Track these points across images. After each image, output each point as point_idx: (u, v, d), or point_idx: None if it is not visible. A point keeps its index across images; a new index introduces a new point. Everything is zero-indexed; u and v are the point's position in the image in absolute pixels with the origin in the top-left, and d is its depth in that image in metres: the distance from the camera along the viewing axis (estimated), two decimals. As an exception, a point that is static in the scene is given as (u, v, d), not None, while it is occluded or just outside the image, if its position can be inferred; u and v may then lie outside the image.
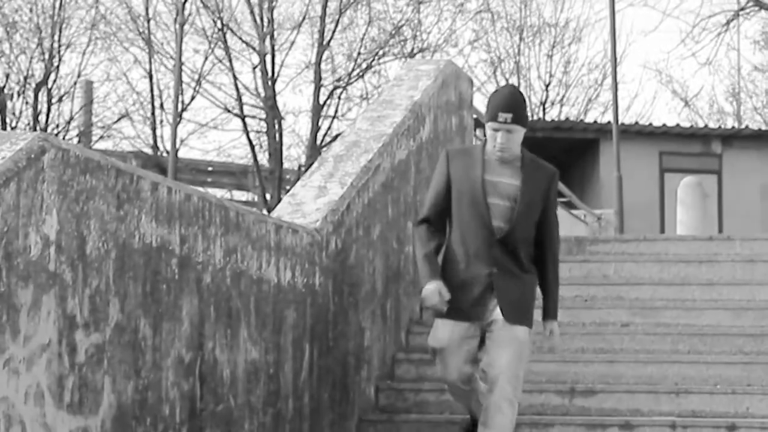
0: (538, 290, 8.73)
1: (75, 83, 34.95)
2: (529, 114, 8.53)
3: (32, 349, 5.85)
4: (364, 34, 36.94)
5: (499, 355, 7.66)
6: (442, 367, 8.06)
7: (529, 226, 8.13)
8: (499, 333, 7.79)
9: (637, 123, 29.90)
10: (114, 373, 6.60)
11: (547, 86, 45.56)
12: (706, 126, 34.63)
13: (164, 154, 33.96)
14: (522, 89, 44.57)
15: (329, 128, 40.77)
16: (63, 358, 6.09)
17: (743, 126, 36.76)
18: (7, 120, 33.53)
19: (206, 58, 35.96)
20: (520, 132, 8.01)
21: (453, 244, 8.21)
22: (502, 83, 45.47)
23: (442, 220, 8.32)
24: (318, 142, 39.74)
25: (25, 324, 5.79)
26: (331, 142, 38.00)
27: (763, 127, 35.46)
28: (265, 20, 36.14)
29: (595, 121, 33.58)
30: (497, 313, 7.87)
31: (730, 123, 39.74)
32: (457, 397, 8.44)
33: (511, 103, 7.92)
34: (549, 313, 8.29)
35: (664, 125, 30.79)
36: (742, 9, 39.04)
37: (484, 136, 8.43)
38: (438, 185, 8.34)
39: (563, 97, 44.79)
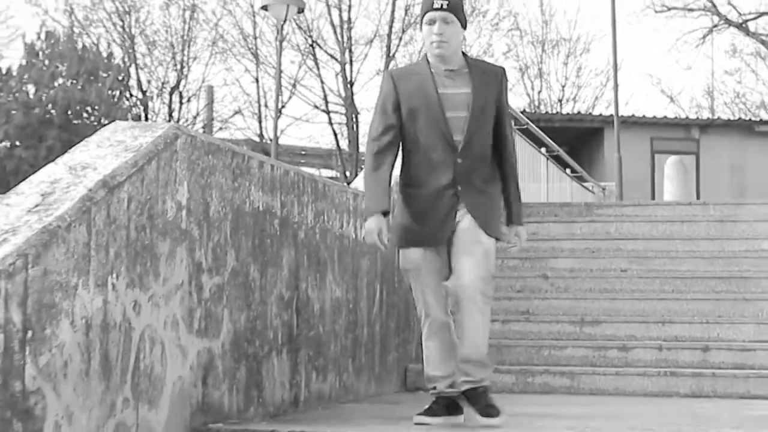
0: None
1: (200, 87, 34.97)
2: (466, 13, 6.29)
3: (169, 288, 5.93)
4: (421, 48, 36.73)
5: (464, 261, 6.00)
6: (419, 288, 6.24)
7: (486, 132, 6.28)
8: (461, 241, 6.07)
9: (633, 115, 29.59)
10: (231, 307, 6.67)
11: (563, 87, 45.26)
12: (687, 117, 34.41)
13: (268, 142, 33.88)
14: (543, 90, 44.38)
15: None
16: (192, 295, 6.17)
17: (716, 117, 36.42)
18: (149, 116, 33.65)
19: (300, 67, 35.90)
20: (457, 26, 6.14)
21: (411, 167, 6.33)
22: (529, 86, 45.10)
23: (392, 142, 6.30)
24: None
25: (164, 269, 5.87)
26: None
27: (732, 118, 35.00)
28: (345, 38, 36.09)
29: (600, 114, 33.31)
30: (462, 222, 6.11)
31: (705, 115, 39.31)
32: (434, 338, 6.28)
33: None
34: (513, 219, 6.40)
35: (654, 117, 30.65)
36: (715, 26, 38.80)
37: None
38: (385, 106, 6.30)
39: (575, 95, 44.48)
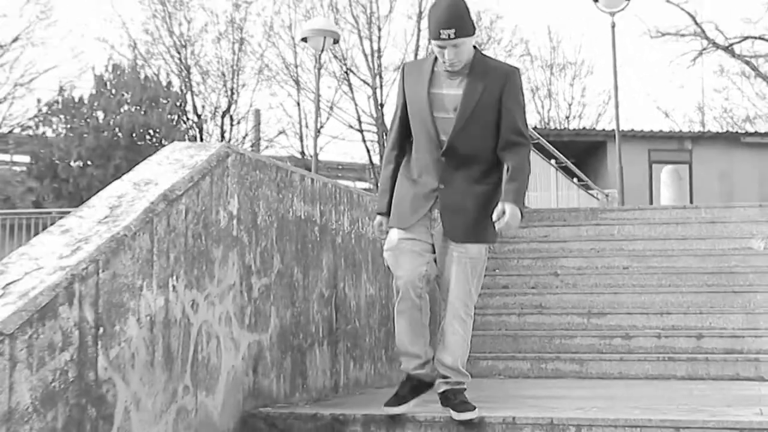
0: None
1: (248, 111, 35.04)
2: (473, 19, 5.46)
3: (223, 288, 5.95)
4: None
5: (450, 272, 5.50)
6: (394, 269, 5.65)
7: (476, 134, 5.47)
8: (448, 249, 5.55)
9: (632, 129, 29.49)
10: (277, 304, 6.68)
11: (570, 105, 45.15)
12: (680, 131, 34.24)
13: (309, 158, 33.90)
14: (552, 108, 44.27)
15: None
16: (243, 294, 6.19)
17: (706, 130, 36.28)
18: (203, 137, 33.75)
19: (336, 92, 35.89)
20: (467, 42, 5.41)
21: (409, 159, 5.75)
22: (539, 105, 45.04)
23: (401, 138, 5.80)
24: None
25: (218, 271, 5.89)
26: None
27: (720, 131, 34.87)
28: (375, 65, 36.09)
29: (603, 129, 33.32)
30: (438, 222, 5.59)
31: (697, 128, 39.16)
32: (403, 315, 5.72)
33: (451, 17, 5.31)
34: (505, 196, 5.44)
35: (651, 130, 30.54)
36: (704, 49, 38.71)
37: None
38: (397, 105, 5.83)
39: (581, 113, 44.35)
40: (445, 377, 5.68)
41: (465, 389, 5.73)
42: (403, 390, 5.75)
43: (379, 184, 5.94)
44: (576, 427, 5.86)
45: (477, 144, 5.54)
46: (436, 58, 5.59)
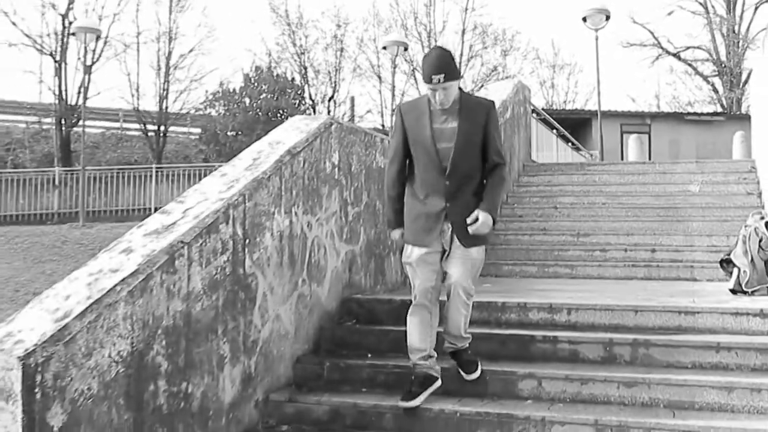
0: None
1: (346, 97, 34.95)
2: (457, 66, 4.94)
3: (328, 214, 5.98)
4: (479, 72, 36.38)
5: (456, 268, 4.87)
6: (412, 277, 4.99)
7: (470, 157, 4.89)
8: (456, 253, 4.88)
9: (609, 110, 29.07)
10: (365, 225, 6.70)
11: (566, 93, 44.49)
12: (643, 111, 33.67)
13: (387, 129, 33.90)
14: (554, 95, 43.63)
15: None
16: (342, 218, 6.21)
17: (661, 111, 35.67)
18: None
19: (405, 83, 35.58)
20: (454, 85, 4.79)
21: (414, 184, 4.99)
22: (545, 93, 44.38)
23: (402, 164, 5.02)
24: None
25: (325, 202, 5.92)
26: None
27: (670, 111, 34.30)
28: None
29: (589, 110, 32.79)
30: (454, 239, 4.90)
31: (654, 109, 38.48)
32: (416, 317, 4.98)
33: (439, 65, 4.73)
34: (481, 204, 4.86)
35: (622, 111, 30.26)
36: (660, 54, 38.06)
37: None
38: (397, 138, 5.03)
39: (574, 98, 43.57)
40: (450, 343, 5.08)
41: (468, 349, 5.14)
42: (414, 386, 4.95)
43: (388, 204, 5.11)
44: (567, 309, 5.85)
45: (471, 165, 4.90)
46: (428, 99, 4.89)
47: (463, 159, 4.85)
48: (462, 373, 5.10)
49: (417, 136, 4.92)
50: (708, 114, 31.13)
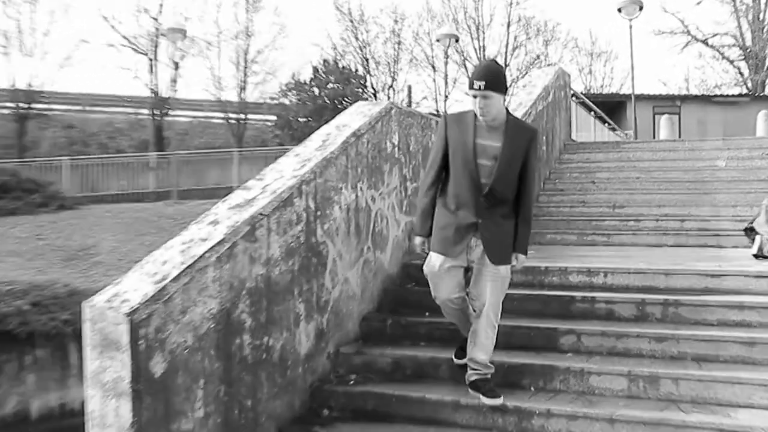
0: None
1: (403, 85, 34.82)
2: (505, 81, 4.42)
3: (389, 189, 6.00)
4: (523, 61, 35.90)
5: (485, 288, 4.43)
6: (434, 289, 4.59)
7: (510, 180, 4.41)
8: (485, 270, 4.43)
9: (643, 93, 28.51)
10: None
11: (603, 78, 43.50)
12: (673, 94, 32.95)
13: (440, 113, 33.73)
14: (592, 81, 42.83)
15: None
16: (401, 193, 6.23)
17: (690, 93, 34.86)
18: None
19: (457, 71, 35.31)
20: (495, 97, 4.33)
21: (447, 194, 4.50)
22: (584, 79, 43.56)
23: (439, 174, 4.52)
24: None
25: (386, 178, 5.94)
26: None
27: (698, 94, 33.48)
28: (482, 55, 35.43)
29: (624, 93, 32.22)
30: (482, 254, 4.46)
31: (684, 92, 37.61)
32: (449, 315, 4.71)
33: (484, 73, 4.33)
34: (516, 248, 4.44)
35: (654, 94, 29.66)
36: (689, 41, 37.20)
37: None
38: (438, 147, 4.55)
39: (610, 83, 42.69)
40: (475, 369, 4.55)
41: (490, 378, 4.58)
42: (461, 351, 4.77)
43: (420, 211, 4.59)
44: (604, 272, 5.80)
45: (507, 187, 4.41)
46: (475, 114, 4.43)
47: (502, 179, 4.38)
48: (482, 397, 4.52)
49: (458, 148, 4.44)
50: (734, 96, 30.36)
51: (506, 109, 4.44)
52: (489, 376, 4.58)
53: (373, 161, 5.69)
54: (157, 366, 3.59)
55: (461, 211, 4.44)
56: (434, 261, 4.53)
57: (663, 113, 25.89)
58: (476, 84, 4.31)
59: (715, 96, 30.71)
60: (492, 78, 4.32)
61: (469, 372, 4.58)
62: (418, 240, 4.62)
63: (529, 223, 4.51)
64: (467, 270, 4.64)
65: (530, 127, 4.55)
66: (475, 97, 4.34)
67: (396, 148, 6.09)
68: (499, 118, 4.40)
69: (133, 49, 29.99)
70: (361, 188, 5.48)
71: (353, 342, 5.36)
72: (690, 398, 4.45)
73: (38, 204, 19.97)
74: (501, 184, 4.38)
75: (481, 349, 4.51)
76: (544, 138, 10.59)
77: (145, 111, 30.61)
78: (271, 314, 4.43)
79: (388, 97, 33.64)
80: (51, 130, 30.14)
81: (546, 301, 5.52)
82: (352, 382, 4.98)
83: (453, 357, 4.90)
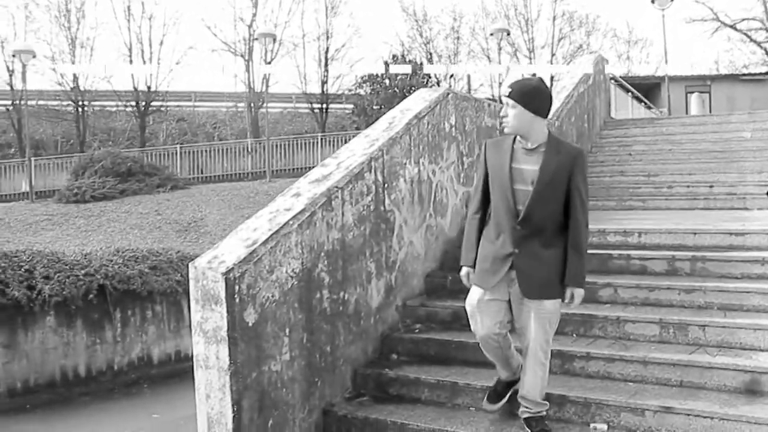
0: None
1: (462, 75, 34.38)
2: (539, 101, 3.53)
3: (448, 163, 5.93)
4: (568, 50, 34.97)
5: (529, 325, 3.61)
6: (473, 324, 3.79)
7: (551, 206, 3.54)
8: (529, 306, 3.60)
9: (676, 75, 27.55)
10: (477, 172, 6.64)
11: (640, 63, 42.04)
12: (703, 74, 31.69)
13: (495, 98, 33.21)
14: (630, 65, 41.39)
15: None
16: (459, 166, 6.16)
17: (719, 73, 33.46)
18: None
19: (510, 59, 34.62)
20: (520, 110, 3.53)
21: (489, 223, 3.72)
22: (622, 64, 42.06)
23: (483, 201, 3.75)
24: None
25: (445, 154, 5.87)
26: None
27: (727, 73, 32.09)
28: (531, 46, 34.67)
29: (659, 75, 31.15)
30: (516, 282, 3.63)
31: (713, 72, 36.13)
32: (488, 353, 3.84)
33: (516, 84, 3.58)
34: (567, 280, 3.54)
35: (686, 75, 28.62)
36: (718, 27, 35.64)
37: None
38: (480, 173, 3.82)
39: (646, 67, 41.26)
40: (526, 408, 3.75)
41: (544, 416, 3.79)
42: (499, 386, 4.03)
43: (465, 240, 3.85)
44: (638, 232, 5.65)
45: (547, 214, 3.56)
46: (514, 138, 3.67)
47: (539, 205, 3.54)
48: None
49: (496, 173, 3.68)
50: (760, 74, 29.07)
51: (548, 131, 3.66)
52: (542, 413, 3.79)
53: (433, 140, 5.64)
54: (250, 317, 3.65)
55: (499, 240, 3.65)
56: (473, 294, 3.77)
57: (694, 92, 25.00)
58: (505, 90, 3.64)
59: (743, 75, 29.48)
60: (520, 89, 3.58)
61: (521, 409, 3.80)
62: (463, 271, 3.85)
63: (582, 253, 3.59)
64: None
65: (573, 147, 3.69)
66: (504, 104, 3.63)
67: (453, 128, 6.02)
68: (536, 139, 3.60)
69: (231, 52, 30.44)
70: (423, 163, 5.44)
71: (418, 296, 5.36)
72: (716, 343, 4.31)
73: (156, 185, 20.67)
74: (538, 210, 3.54)
75: (531, 390, 3.72)
76: (586, 116, 10.33)
77: (243, 104, 31.10)
78: (346, 272, 4.45)
79: (450, 86, 33.28)
80: (166, 123, 30.94)
81: (587, 259, 5.40)
82: (417, 331, 4.98)
83: (484, 400, 4.04)
